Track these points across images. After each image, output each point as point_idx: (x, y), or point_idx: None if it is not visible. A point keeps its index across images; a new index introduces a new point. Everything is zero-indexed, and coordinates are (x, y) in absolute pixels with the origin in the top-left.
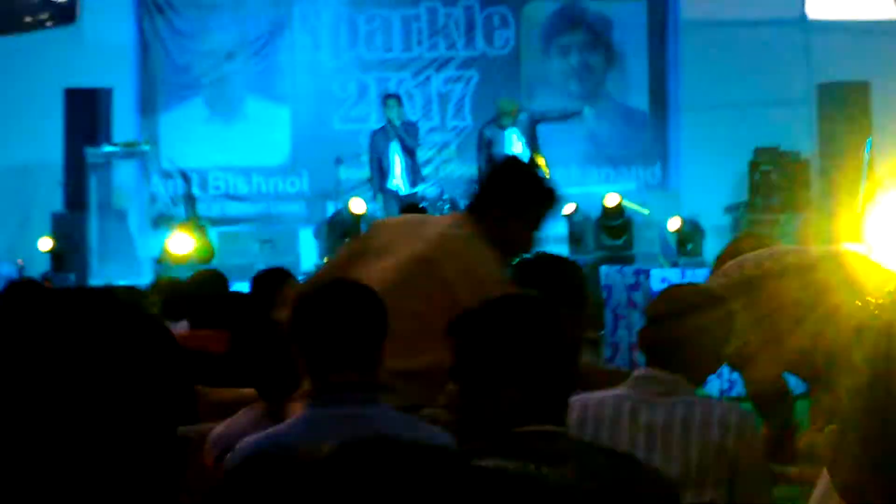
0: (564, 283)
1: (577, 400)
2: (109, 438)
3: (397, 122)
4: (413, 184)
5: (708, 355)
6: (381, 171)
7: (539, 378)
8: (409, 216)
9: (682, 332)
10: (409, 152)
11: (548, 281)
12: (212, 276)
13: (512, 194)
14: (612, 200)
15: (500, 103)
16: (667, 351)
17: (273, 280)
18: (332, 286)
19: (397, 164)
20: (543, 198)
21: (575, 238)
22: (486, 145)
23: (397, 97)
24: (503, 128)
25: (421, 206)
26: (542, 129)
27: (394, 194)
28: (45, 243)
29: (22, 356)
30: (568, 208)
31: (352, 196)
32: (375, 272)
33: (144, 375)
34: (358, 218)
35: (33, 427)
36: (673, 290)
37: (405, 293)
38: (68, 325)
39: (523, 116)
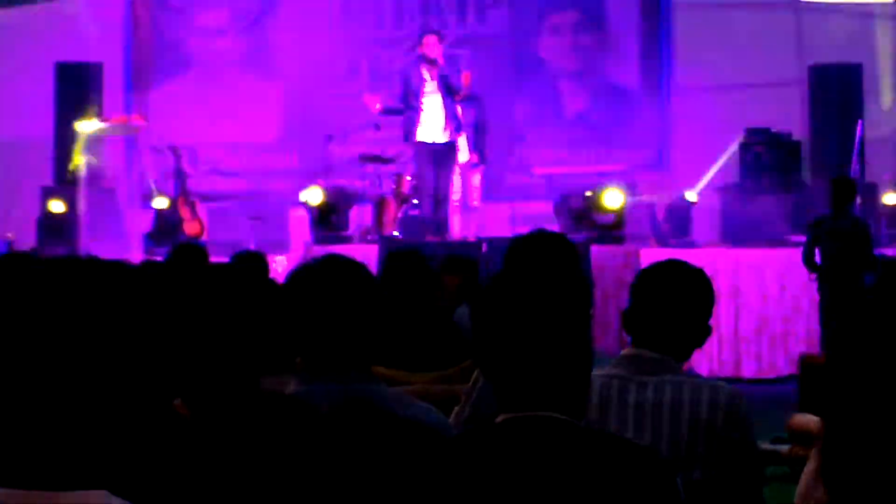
0: (565, 260)
1: None
2: (98, 401)
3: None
4: (455, 131)
5: (691, 331)
6: (412, 110)
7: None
8: None
9: (664, 308)
10: (450, 94)
11: (547, 258)
12: (189, 249)
13: None
14: (602, 179)
15: None
16: (651, 329)
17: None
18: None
19: (437, 106)
20: None
21: (565, 218)
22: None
23: (438, 33)
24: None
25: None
26: (532, 112)
27: (425, 145)
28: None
29: (15, 324)
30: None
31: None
32: None
33: (130, 338)
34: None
35: (25, 392)
36: (653, 268)
37: None
38: (59, 293)
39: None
